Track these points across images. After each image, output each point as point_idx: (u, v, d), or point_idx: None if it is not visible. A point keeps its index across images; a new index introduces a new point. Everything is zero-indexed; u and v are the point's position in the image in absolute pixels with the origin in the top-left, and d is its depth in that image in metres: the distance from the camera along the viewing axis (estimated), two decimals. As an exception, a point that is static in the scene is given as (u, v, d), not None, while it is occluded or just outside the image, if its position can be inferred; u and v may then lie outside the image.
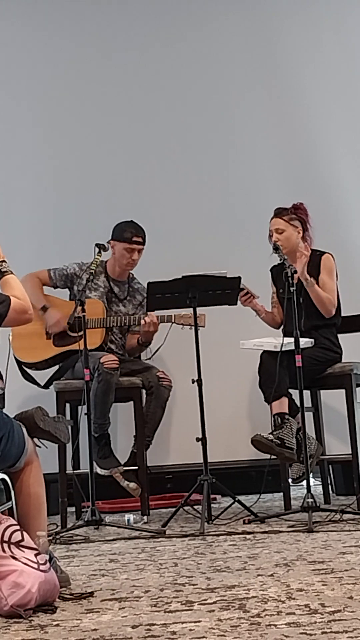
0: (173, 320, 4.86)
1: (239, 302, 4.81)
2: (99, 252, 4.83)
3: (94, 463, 4.69)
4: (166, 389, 4.93)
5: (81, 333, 4.52)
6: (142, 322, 4.87)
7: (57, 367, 5.09)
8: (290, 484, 4.81)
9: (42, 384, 5.10)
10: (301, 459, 4.47)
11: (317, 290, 4.76)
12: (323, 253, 4.93)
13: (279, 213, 4.92)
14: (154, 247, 5.60)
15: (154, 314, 4.85)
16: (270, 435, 4.50)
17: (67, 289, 5.17)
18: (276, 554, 3.48)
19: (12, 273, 3.20)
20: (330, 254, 4.93)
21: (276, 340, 4.62)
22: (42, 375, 5.11)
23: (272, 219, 4.93)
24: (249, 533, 4.08)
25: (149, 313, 4.87)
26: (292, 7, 5.98)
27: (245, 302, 4.90)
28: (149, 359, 5.12)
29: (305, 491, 4.28)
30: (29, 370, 5.07)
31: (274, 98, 5.93)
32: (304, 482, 4.35)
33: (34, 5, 5.95)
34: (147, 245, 5.30)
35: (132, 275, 5.22)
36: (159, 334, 4.93)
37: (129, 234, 5.03)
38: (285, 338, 4.56)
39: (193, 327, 4.60)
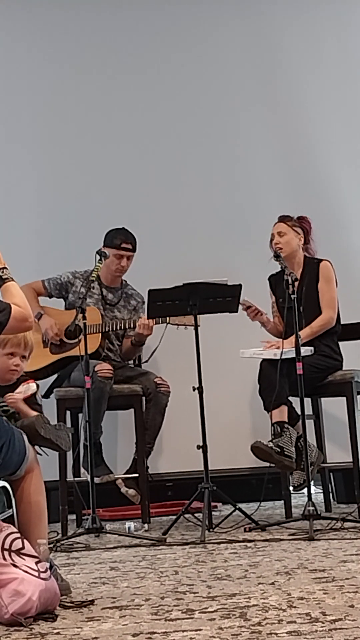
0: (168, 321, 4.87)
1: (242, 311, 4.82)
2: (100, 259, 4.85)
3: (84, 470, 4.72)
4: (164, 395, 4.94)
5: (77, 340, 4.53)
6: (138, 322, 4.89)
7: (55, 375, 5.10)
8: (291, 491, 4.81)
9: (42, 394, 5.11)
10: (302, 467, 4.46)
11: (310, 335, 4.75)
12: (321, 260, 4.94)
13: (283, 218, 4.96)
14: (155, 255, 5.60)
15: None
16: (270, 443, 4.50)
17: (62, 299, 5.21)
18: (277, 562, 3.48)
19: (12, 280, 3.19)
20: (329, 261, 4.94)
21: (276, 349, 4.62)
22: (42, 386, 5.11)
23: (275, 223, 4.96)
24: (249, 541, 4.07)
25: (142, 316, 4.89)
26: (293, 18, 6.00)
27: (253, 318, 4.92)
28: (147, 361, 5.13)
29: (306, 499, 4.27)
30: None
31: (275, 107, 5.93)
32: (305, 490, 4.34)
33: (34, 15, 5.96)
34: (148, 252, 5.30)
35: (125, 281, 5.25)
36: (154, 335, 4.94)
37: (118, 240, 5.08)
38: (285, 346, 4.55)
39: (187, 328, 4.66)
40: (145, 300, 4.74)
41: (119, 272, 5.15)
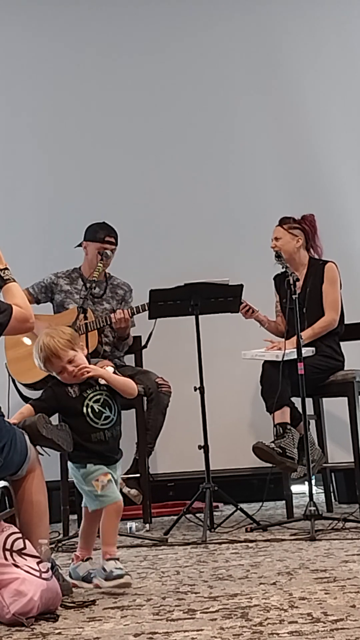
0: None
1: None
2: (101, 258, 4.84)
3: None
4: (166, 395, 4.93)
5: None
6: (113, 318, 4.88)
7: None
8: (291, 481, 4.78)
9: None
10: (303, 462, 4.45)
11: (312, 336, 4.75)
12: (326, 262, 4.93)
13: (281, 221, 4.95)
14: (156, 255, 5.61)
15: (125, 310, 4.89)
16: (272, 444, 4.50)
17: (49, 301, 5.17)
18: (278, 562, 3.48)
19: (14, 281, 3.19)
20: (334, 263, 4.93)
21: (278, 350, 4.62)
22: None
23: (276, 226, 4.96)
24: (251, 541, 4.07)
25: (131, 304, 4.91)
26: (293, 14, 6.00)
27: (247, 316, 4.91)
28: (145, 346, 5.09)
29: (307, 499, 4.27)
30: (28, 394, 5.03)
31: (274, 104, 5.94)
32: (307, 490, 4.34)
33: (33, 12, 5.96)
34: (149, 252, 5.29)
35: (109, 273, 5.22)
36: (147, 321, 4.88)
37: (101, 234, 5.05)
38: (287, 347, 4.55)
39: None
40: (133, 288, 4.80)
41: (102, 267, 5.12)
